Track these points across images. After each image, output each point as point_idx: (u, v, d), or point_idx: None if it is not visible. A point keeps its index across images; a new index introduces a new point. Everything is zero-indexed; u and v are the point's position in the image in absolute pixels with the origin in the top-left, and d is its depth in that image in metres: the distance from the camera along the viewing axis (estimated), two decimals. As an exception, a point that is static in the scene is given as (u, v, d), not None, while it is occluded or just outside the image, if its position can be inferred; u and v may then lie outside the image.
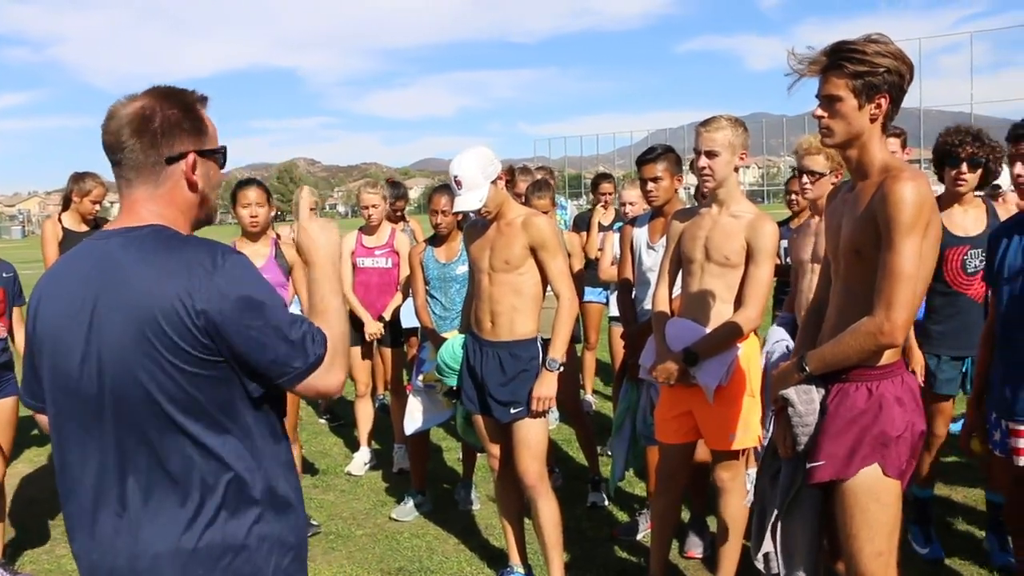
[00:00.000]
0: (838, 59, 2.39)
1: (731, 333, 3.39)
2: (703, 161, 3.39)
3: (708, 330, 3.45)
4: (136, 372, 1.65)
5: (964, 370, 4.03)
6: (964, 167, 3.89)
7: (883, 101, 2.40)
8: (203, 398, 1.67)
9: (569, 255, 5.06)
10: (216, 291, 1.64)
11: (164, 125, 1.73)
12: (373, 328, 5.62)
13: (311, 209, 1.96)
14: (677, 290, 3.70)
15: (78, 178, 5.74)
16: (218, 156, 1.84)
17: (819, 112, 2.47)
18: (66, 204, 5.89)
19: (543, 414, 3.68)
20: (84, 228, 5.76)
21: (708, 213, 3.51)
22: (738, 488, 3.56)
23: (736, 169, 3.44)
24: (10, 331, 4.27)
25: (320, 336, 1.74)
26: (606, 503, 5.01)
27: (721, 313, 3.45)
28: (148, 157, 1.74)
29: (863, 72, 2.36)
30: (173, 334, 1.63)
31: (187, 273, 1.64)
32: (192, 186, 1.79)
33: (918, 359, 3.98)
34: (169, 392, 1.65)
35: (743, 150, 3.43)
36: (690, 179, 4.57)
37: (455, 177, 3.61)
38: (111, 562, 1.71)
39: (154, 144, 1.73)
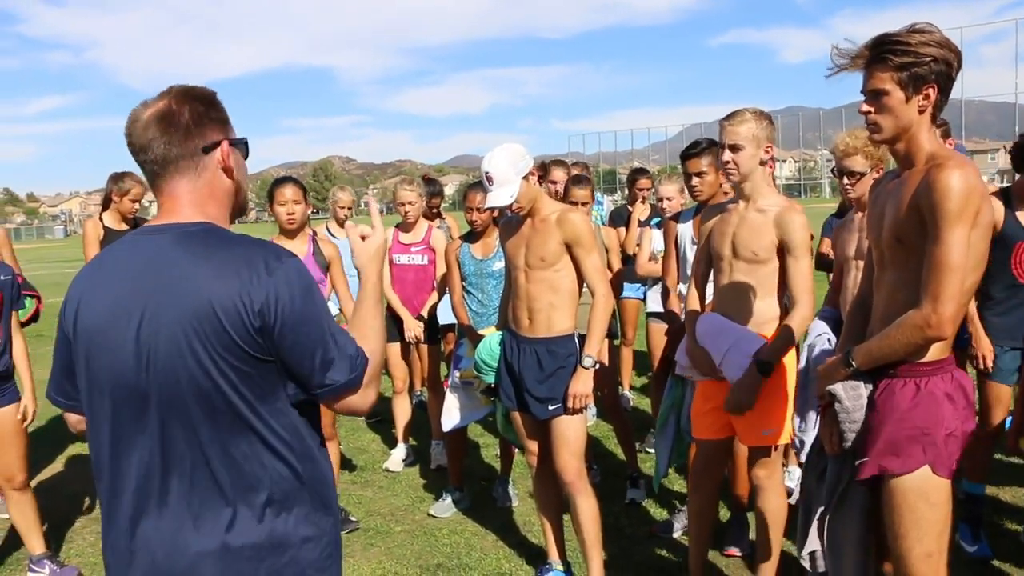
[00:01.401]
0: (882, 52, 2.34)
1: (791, 334, 3.32)
2: (727, 155, 3.34)
3: (738, 325, 3.41)
4: (188, 368, 1.66)
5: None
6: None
7: (931, 91, 2.34)
8: (252, 396, 1.69)
9: (607, 251, 5.03)
10: (275, 292, 1.66)
11: (193, 118, 1.76)
12: (413, 326, 5.63)
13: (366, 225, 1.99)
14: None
15: (117, 178, 5.82)
16: (242, 145, 1.87)
17: (866, 108, 2.41)
18: (106, 204, 5.97)
19: (580, 411, 3.66)
20: (124, 227, 5.83)
21: (735, 209, 3.46)
22: (774, 486, 3.51)
23: (763, 163, 3.38)
24: (8, 337, 4.19)
25: (363, 356, 1.76)
26: (644, 500, 4.98)
27: (752, 309, 3.41)
28: (185, 149, 1.76)
29: (908, 63, 2.31)
30: (232, 331, 1.64)
31: (248, 272, 1.66)
32: (228, 172, 1.82)
33: (986, 346, 4.00)
34: (220, 389, 1.67)
35: (768, 143, 3.37)
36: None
37: (486, 173, 3.61)
38: (150, 557, 1.72)
39: (188, 136, 1.75)
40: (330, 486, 1.85)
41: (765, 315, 3.43)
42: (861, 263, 3.42)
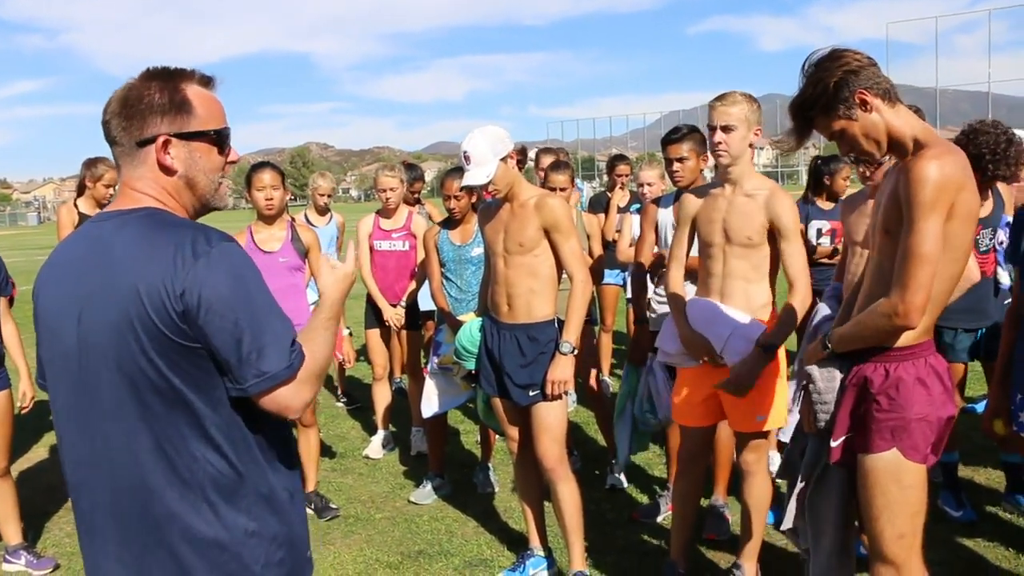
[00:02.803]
0: (803, 117, 2.40)
1: (793, 317, 3.35)
2: (718, 136, 3.32)
3: (733, 310, 3.41)
4: (123, 355, 1.63)
5: (977, 339, 4.28)
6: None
7: (865, 96, 2.34)
8: (185, 385, 1.64)
9: (588, 237, 5.03)
10: (199, 276, 1.60)
11: (137, 107, 1.70)
12: (391, 314, 5.61)
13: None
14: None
15: (90, 163, 5.77)
16: (209, 136, 1.76)
17: (845, 150, 2.46)
18: (80, 190, 5.92)
19: (558, 397, 3.66)
20: (99, 212, 5.78)
21: (722, 194, 3.44)
22: (762, 471, 3.54)
23: (751, 146, 3.38)
24: None
25: (301, 351, 1.70)
26: (625, 485, 5.00)
27: (749, 293, 3.42)
28: (123, 139, 1.72)
29: (828, 102, 2.34)
30: (155, 316, 1.59)
31: (173, 256, 1.60)
32: (166, 169, 1.74)
33: None
34: (152, 377, 1.63)
35: (758, 126, 3.37)
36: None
37: (464, 153, 3.59)
38: (102, 547, 1.73)
39: (128, 127, 1.71)
40: (285, 481, 1.80)
41: (759, 299, 3.46)
42: (866, 251, 3.45)
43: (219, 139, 1.79)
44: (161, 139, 1.71)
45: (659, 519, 4.49)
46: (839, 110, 2.35)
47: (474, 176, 3.56)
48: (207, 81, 1.78)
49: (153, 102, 1.70)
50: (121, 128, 1.71)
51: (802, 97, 2.39)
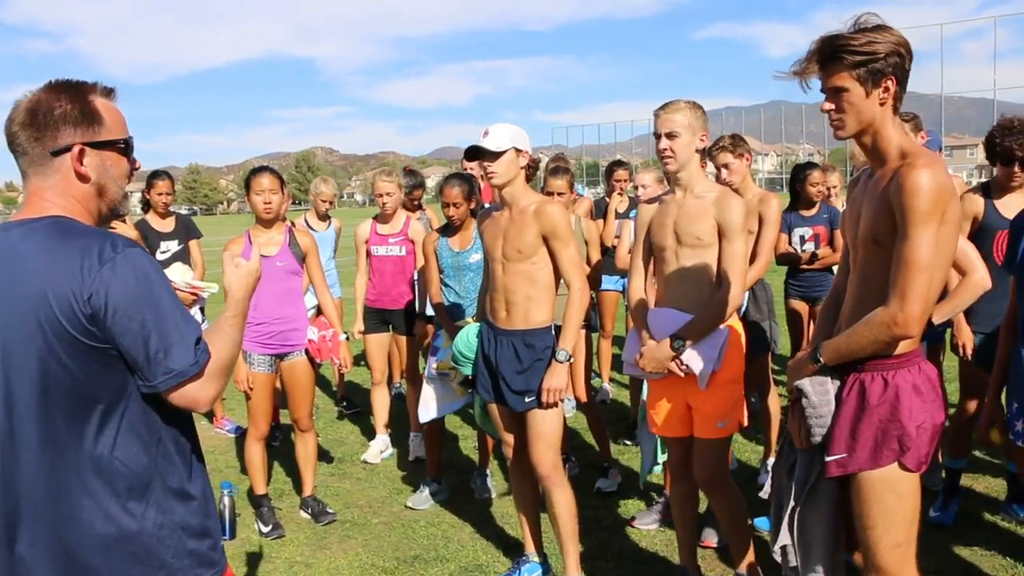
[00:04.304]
0: (835, 52, 2.34)
1: (717, 314, 3.37)
2: (664, 143, 3.39)
3: (691, 315, 3.40)
4: (32, 360, 1.69)
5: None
6: (1017, 167, 4.07)
7: (890, 84, 2.34)
8: (93, 385, 1.71)
9: (587, 244, 5.04)
10: (105, 280, 1.67)
11: (48, 118, 1.76)
12: (357, 329, 5.85)
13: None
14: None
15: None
16: (118, 146, 1.85)
17: (827, 106, 2.42)
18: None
19: (554, 405, 3.66)
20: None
21: (673, 199, 3.50)
22: (723, 484, 3.51)
23: (698, 151, 3.43)
24: None
25: (206, 348, 1.78)
26: (615, 489, 5.02)
27: (703, 295, 3.41)
28: (34, 149, 1.77)
29: (864, 60, 2.32)
30: (64, 320, 1.67)
31: (80, 261, 1.67)
32: (82, 178, 1.81)
33: (967, 335, 4.15)
34: (62, 380, 1.70)
35: (703, 132, 3.43)
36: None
37: (485, 130, 3.62)
38: (28, 551, 1.76)
39: (39, 137, 1.76)
40: (190, 475, 1.87)
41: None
42: None
43: (127, 148, 1.88)
44: (76, 148, 1.78)
45: (656, 526, 4.47)
46: (865, 72, 2.32)
47: (486, 142, 3.58)
48: (109, 92, 1.85)
49: (65, 112, 1.77)
50: (32, 139, 1.76)
51: (845, 39, 2.33)
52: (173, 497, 1.82)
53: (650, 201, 3.67)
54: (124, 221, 5.85)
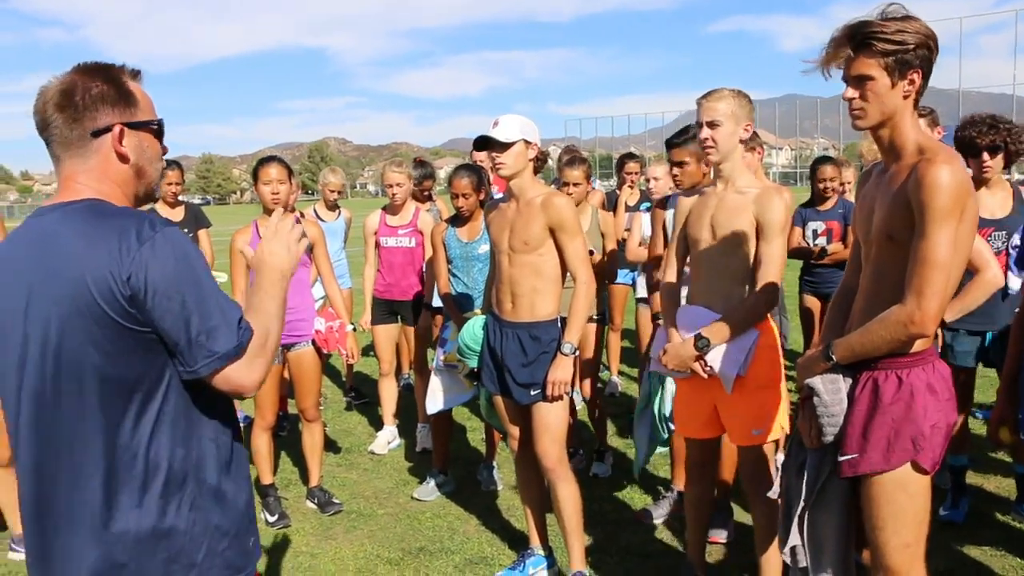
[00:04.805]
0: (865, 39, 2.30)
1: (746, 316, 3.23)
2: (705, 132, 3.26)
3: (719, 315, 3.29)
4: (70, 347, 1.65)
5: (984, 344, 4.19)
6: (985, 156, 4.02)
7: (916, 76, 2.30)
8: (132, 374, 1.67)
9: (603, 236, 5.02)
10: (145, 261, 1.62)
11: (86, 99, 1.72)
12: (363, 320, 5.87)
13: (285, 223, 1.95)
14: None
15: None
16: (152, 127, 1.82)
17: (850, 93, 2.37)
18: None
19: (559, 398, 3.63)
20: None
21: (713, 192, 3.37)
22: (767, 496, 3.41)
23: (742, 141, 3.30)
24: None
25: (249, 327, 1.72)
26: (609, 474, 5.08)
27: (735, 295, 3.29)
28: (73, 131, 1.73)
29: (894, 50, 2.27)
30: (103, 303, 1.62)
31: (118, 242, 1.63)
32: (122, 158, 1.78)
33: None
34: (100, 369, 1.65)
35: (748, 121, 3.28)
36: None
37: (495, 120, 3.58)
38: (53, 541, 1.72)
39: (78, 118, 1.72)
40: (231, 473, 1.82)
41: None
42: None
43: (160, 130, 1.85)
44: (117, 128, 1.75)
45: (662, 520, 4.45)
46: (893, 62, 2.27)
47: (495, 133, 3.53)
48: (136, 74, 1.82)
49: (103, 93, 1.73)
50: (71, 120, 1.72)
51: (877, 26, 2.29)
52: (210, 495, 1.77)
53: (690, 193, 3.55)
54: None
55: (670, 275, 3.55)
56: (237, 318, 1.70)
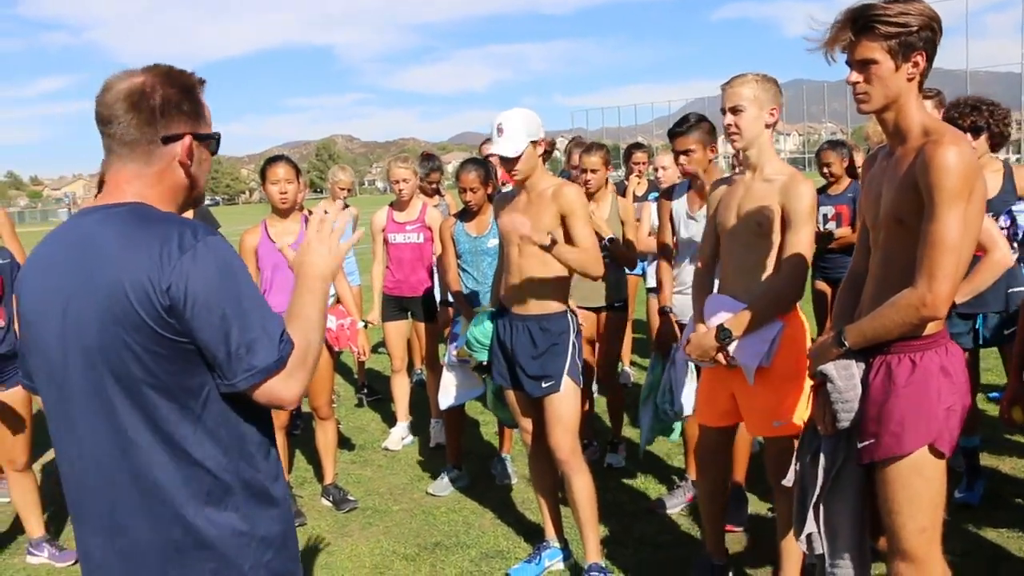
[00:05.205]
0: (868, 22, 2.28)
1: (770, 306, 3.18)
2: (728, 118, 3.20)
3: (744, 305, 3.25)
4: (107, 352, 1.61)
5: (976, 327, 4.15)
6: (969, 137, 3.94)
7: (920, 59, 2.29)
8: (171, 382, 1.62)
9: (623, 223, 5.01)
10: (185, 270, 1.58)
11: (163, 104, 1.68)
12: (372, 317, 5.95)
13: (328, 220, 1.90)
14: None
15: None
16: (212, 142, 1.80)
17: (854, 77, 2.35)
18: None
19: (574, 382, 3.62)
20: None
21: (742, 180, 3.32)
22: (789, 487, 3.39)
23: (768, 126, 3.24)
24: (10, 319, 4.19)
25: (289, 340, 1.66)
26: (623, 464, 5.11)
27: (760, 286, 3.23)
28: (143, 134, 1.69)
29: (897, 32, 2.26)
30: (141, 311, 1.58)
31: (160, 250, 1.58)
32: (185, 168, 1.74)
33: None
34: (137, 375, 1.61)
35: (773, 106, 3.21)
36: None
37: (499, 124, 3.54)
38: (99, 551, 1.70)
39: (151, 122, 1.68)
40: (273, 480, 1.77)
41: None
42: None
43: (217, 144, 1.82)
44: (188, 139, 1.72)
45: (677, 510, 4.45)
46: (897, 45, 2.26)
47: (504, 147, 3.52)
48: (203, 84, 1.80)
49: (178, 101, 1.71)
50: (143, 123, 1.68)
51: (880, 9, 2.27)
52: (255, 502, 1.72)
53: (721, 181, 3.51)
54: None
55: (704, 266, 3.51)
56: (279, 331, 1.65)
